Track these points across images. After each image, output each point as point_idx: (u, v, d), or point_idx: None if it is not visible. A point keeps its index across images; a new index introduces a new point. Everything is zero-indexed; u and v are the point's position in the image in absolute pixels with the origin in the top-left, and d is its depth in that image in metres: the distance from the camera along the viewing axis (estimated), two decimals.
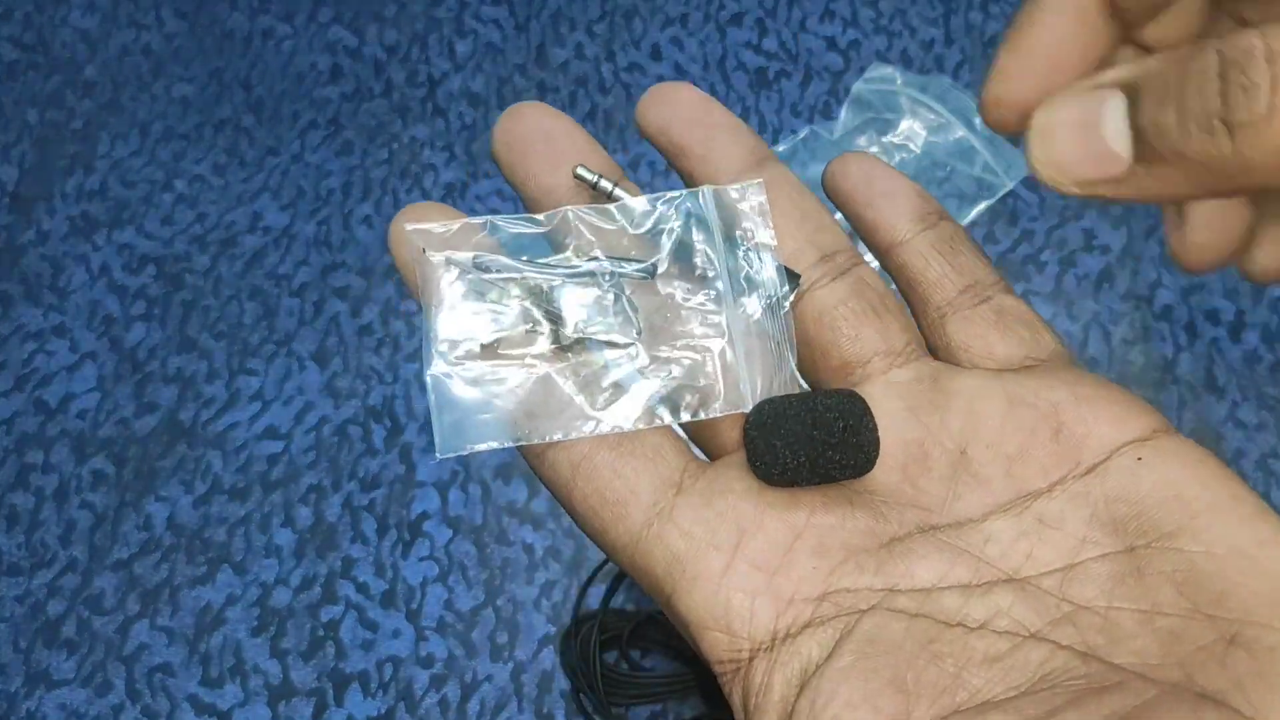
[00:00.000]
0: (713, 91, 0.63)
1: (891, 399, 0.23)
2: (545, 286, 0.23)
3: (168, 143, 0.64)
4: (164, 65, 0.67)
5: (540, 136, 0.25)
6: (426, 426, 0.54)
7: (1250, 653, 0.19)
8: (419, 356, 0.56)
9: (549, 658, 0.48)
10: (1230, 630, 0.19)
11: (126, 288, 0.59)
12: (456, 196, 0.61)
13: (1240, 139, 0.17)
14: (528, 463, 0.23)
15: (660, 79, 0.64)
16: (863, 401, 0.22)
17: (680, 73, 0.64)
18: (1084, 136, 0.20)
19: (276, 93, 0.65)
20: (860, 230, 0.26)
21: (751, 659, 0.20)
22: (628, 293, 0.23)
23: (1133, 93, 0.19)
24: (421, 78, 0.65)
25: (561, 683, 0.48)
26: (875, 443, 0.22)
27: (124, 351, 0.57)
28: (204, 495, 0.53)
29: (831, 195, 0.27)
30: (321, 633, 0.49)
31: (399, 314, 0.57)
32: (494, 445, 0.22)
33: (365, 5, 0.68)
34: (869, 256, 0.28)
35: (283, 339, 0.57)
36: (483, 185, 0.61)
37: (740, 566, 0.20)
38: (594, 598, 0.49)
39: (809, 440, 0.21)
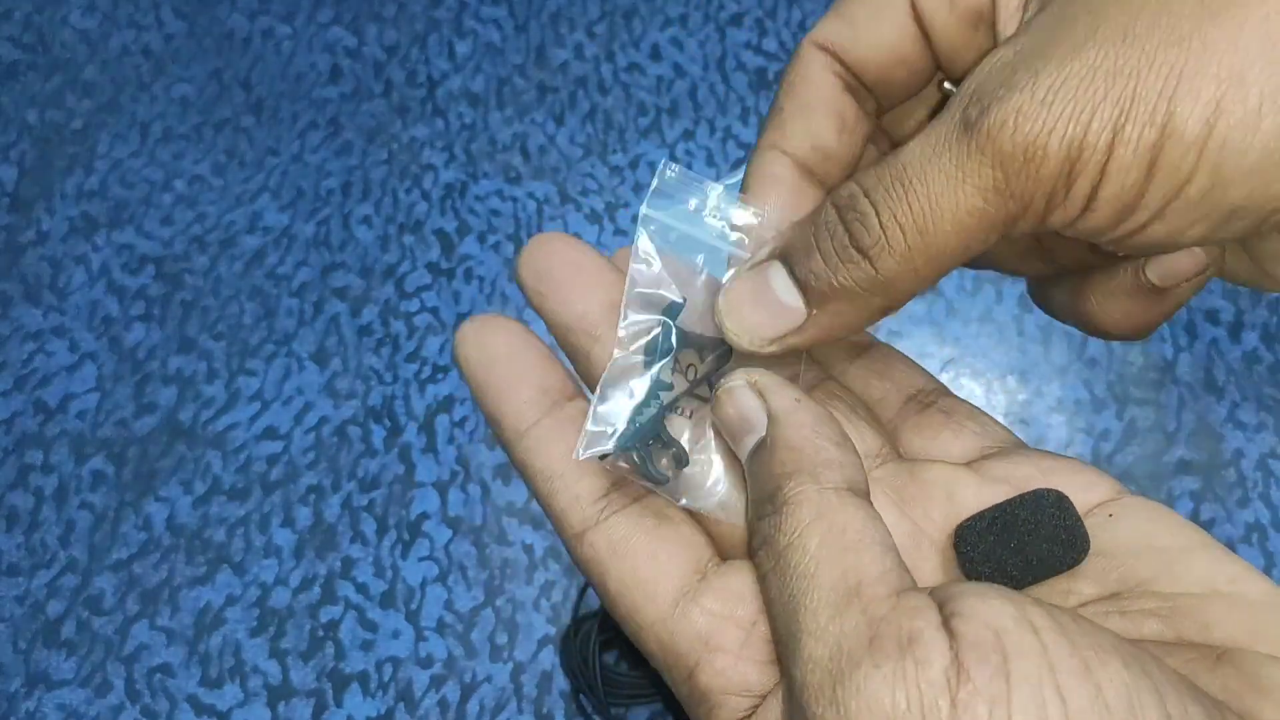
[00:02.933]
0: (712, 91, 0.63)
1: (879, 496, 0.25)
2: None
3: (167, 143, 0.64)
4: (164, 65, 0.67)
5: (570, 268, 0.26)
6: (426, 426, 0.54)
7: (1237, 667, 0.20)
8: (418, 357, 0.56)
9: (549, 658, 0.48)
10: (1216, 652, 0.21)
11: (126, 288, 0.59)
12: (456, 196, 0.61)
13: (874, 258, 0.21)
14: (565, 544, 0.25)
15: (660, 79, 0.64)
16: (1057, 496, 0.23)
17: (680, 73, 0.64)
18: (761, 301, 0.23)
19: (276, 93, 0.65)
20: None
21: (763, 699, 0.23)
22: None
23: (786, 257, 0.23)
24: (421, 78, 0.65)
25: (561, 683, 0.48)
26: (1084, 535, 0.23)
27: (123, 352, 0.57)
28: (203, 496, 0.53)
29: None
30: (321, 633, 0.49)
31: (399, 314, 0.57)
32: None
33: (365, 6, 0.68)
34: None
35: (282, 339, 0.57)
36: (482, 185, 0.61)
37: (754, 640, 0.23)
38: (594, 598, 0.49)
39: (1022, 549, 0.23)
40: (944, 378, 0.54)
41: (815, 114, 0.25)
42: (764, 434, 0.23)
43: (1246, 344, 0.54)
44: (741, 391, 0.24)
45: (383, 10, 0.68)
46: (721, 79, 0.64)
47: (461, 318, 0.57)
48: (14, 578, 0.51)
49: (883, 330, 0.55)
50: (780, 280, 0.23)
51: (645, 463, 0.24)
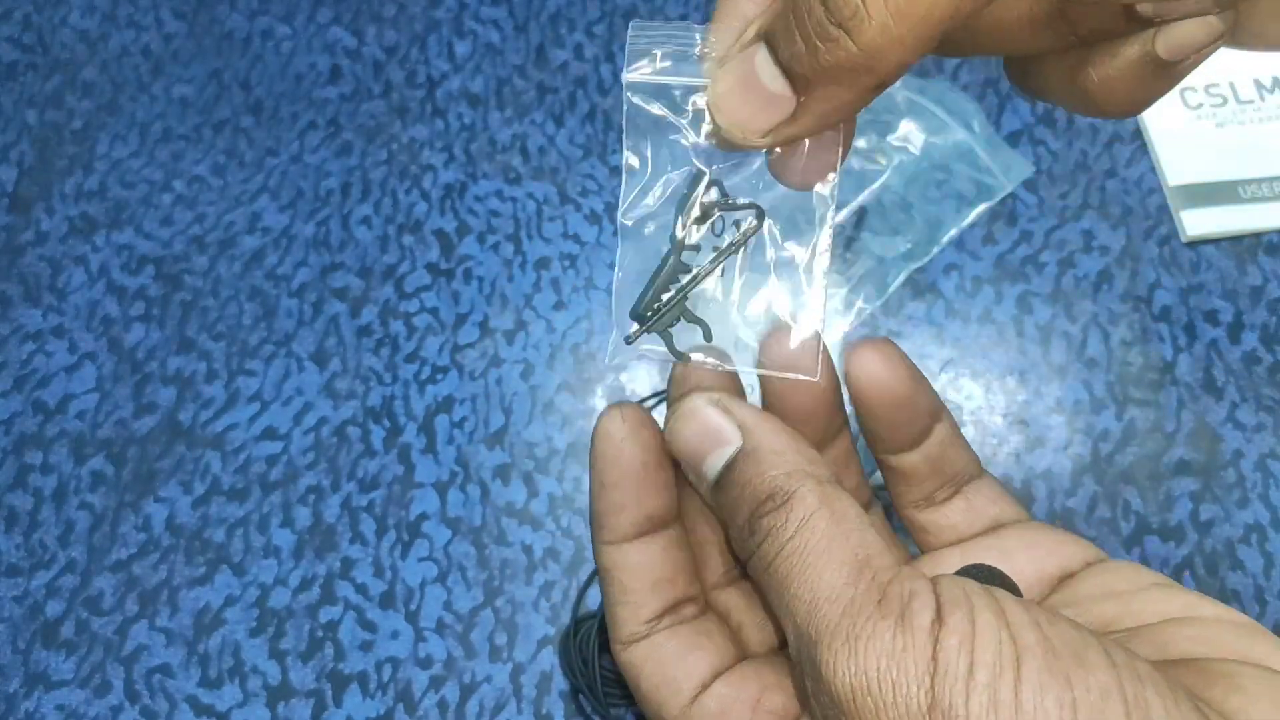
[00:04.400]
0: None
1: None
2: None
3: (167, 143, 0.64)
4: (163, 66, 0.67)
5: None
6: (425, 427, 0.54)
7: (1192, 669, 0.22)
8: (417, 357, 0.56)
9: (548, 658, 0.48)
10: (1173, 661, 0.23)
11: (125, 288, 0.59)
12: (456, 198, 0.61)
13: (854, 33, 0.19)
14: (611, 647, 0.28)
15: None
16: (996, 571, 0.26)
17: None
18: (749, 91, 0.22)
19: (276, 93, 0.65)
20: (861, 428, 0.29)
21: None
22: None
23: (770, 39, 0.21)
24: (421, 78, 0.65)
25: (560, 683, 0.48)
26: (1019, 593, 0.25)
27: (123, 352, 0.57)
28: (203, 496, 0.53)
29: (845, 381, 0.29)
30: (320, 633, 0.49)
31: (398, 314, 0.57)
32: None
33: (365, 6, 0.68)
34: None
35: (281, 340, 0.57)
36: (482, 186, 0.61)
37: (761, 714, 0.25)
38: (593, 598, 0.49)
39: None
40: (943, 378, 0.54)
41: None
42: (737, 445, 0.24)
43: (1246, 345, 0.54)
44: (705, 409, 0.25)
45: (382, 10, 0.68)
46: None
47: (461, 318, 0.57)
48: (13, 578, 0.51)
49: (882, 331, 0.55)
50: (766, 64, 0.21)
51: (670, 342, 0.25)
